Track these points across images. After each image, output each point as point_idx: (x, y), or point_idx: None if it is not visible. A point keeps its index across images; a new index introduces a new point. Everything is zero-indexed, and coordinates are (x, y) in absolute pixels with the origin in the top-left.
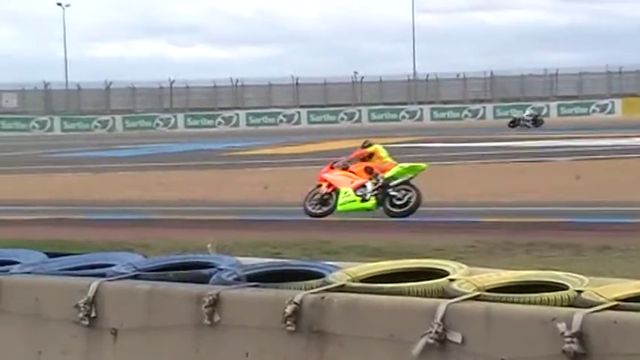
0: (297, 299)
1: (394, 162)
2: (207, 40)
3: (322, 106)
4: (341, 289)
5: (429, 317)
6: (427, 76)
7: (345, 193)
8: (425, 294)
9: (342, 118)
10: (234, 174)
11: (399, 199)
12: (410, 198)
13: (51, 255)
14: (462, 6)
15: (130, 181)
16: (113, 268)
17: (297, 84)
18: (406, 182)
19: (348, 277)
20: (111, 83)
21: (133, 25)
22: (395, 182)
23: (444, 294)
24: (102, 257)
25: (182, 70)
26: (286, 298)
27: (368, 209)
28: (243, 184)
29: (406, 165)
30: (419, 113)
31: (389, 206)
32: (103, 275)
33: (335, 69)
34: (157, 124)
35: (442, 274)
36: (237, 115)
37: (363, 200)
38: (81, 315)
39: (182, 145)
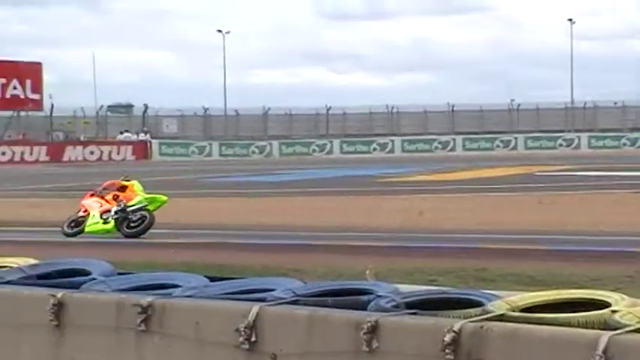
0: (456, 328)
1: (145, 195)
2: (364, 67)
3: (478, 133)
4: (500, 318)
5: (591, 349)
6: (585, 103)
7: (93, 216)
8: (586, 325)
9: (498, 146)
10: (388, 200)
11: (133, 222)
12: (143, 221)
13: (212, 279)
14: (620, 33)
15: (285, 205)
16: (273, 292)
17: (452, 110)
18: (144, 208)
19: (508, 307)
20: (269, 109)
21: (291, 52)
22: (133, 208)
23: (606, 326)
24: (261, 282)
25: (339, 97)
26: (445, 327)
27: (108, 231)
28: (398, 210)
29: (148, 195)
30: (576, 141)
31: (125, 228)
32: (263, 300)
33: (491, 96)
34: (313, 150)
35: (604, 305)
36: (392, 141)
37: (105, 222)
38: (241, 339)
39: (337, 170)
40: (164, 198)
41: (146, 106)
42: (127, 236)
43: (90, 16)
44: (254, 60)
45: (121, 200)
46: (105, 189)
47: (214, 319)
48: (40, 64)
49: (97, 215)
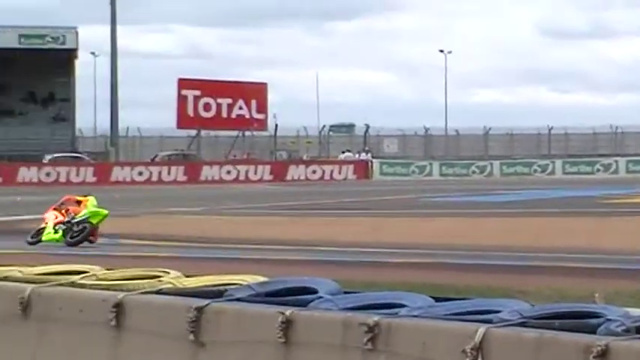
0: None
1: (92, 209)
2: (587, 86)
3: None
4: None
5: None
6: None
7: (48, 227)
8: None
9: None
10: (612, 222)
11: (75, 232)
12: (82, 232)
13: (436, 299)
14: None
15: (505, 226)
16: (499, 314)
17: None
18: (86, 221)
19: None
20: (489, 129)
21: (512, 71)
22: (77, 220)
23: None
24: (487, 303)
25: (560, 116)
26: None
27: (57, 240)
28: (622, 232)
29: (92, 209)
30: None
31: (69, 238)
32: (489, 321)
33: None
34: (535, 170)
35: None
36: (616, 162)
37: (55, 232)
38: None
39: (559, 191)
40: (105, 212)
41: (367, 126)
42: (68, 245)
43: (313, 38)
44: (475, 79)
45: (70, 213)
46: (63, 203)
47: (441, 339)
48: (265, 84)
49: (51, 226)
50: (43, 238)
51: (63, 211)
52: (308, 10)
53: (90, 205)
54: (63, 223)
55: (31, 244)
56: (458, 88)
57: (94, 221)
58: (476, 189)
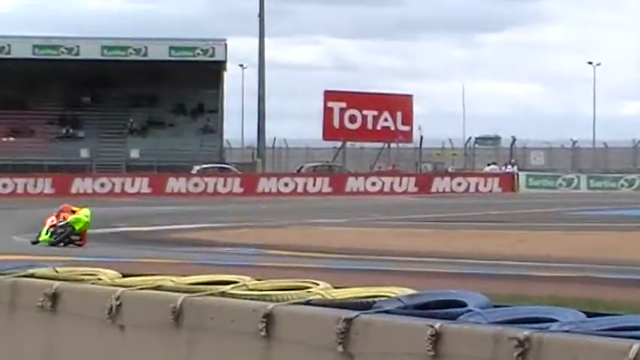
0: None
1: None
2: None
3: None
4: None
5: None
6: None
7: (44, 229)
8: None
9: None
10: None
11: (57, 234)
12: (61, 234)
13: (588, 314)
14: None
15: None
16: None
17: None
18: (69, 225)
19: None
20: (639, 142)
21: None
22: (61, 224)
23: None
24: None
25: None
26: None
27: (46, 241)
28: None
29: (76, 216)
30: None
31: (52, 239)
32: None
33: None
34: None
35: None
36: None
37: (46, 234)
38: None
39: None
40: (85, 219)
41: (514, 139)
42: (51, 244)
43: (460, 50)
44: (624, 91)
45: (61, 218)
46: (61, 211)
47: (593, 355)
48: (410, 96)
49: (45, 229)
50: (39, 239)
51: (58, 217)
52: (455, 22)
53: (81, 213)
54: (53, 226)
55: (34, 243)
56: (606, 100)
57: (76, 226)
58: (624, 202)
